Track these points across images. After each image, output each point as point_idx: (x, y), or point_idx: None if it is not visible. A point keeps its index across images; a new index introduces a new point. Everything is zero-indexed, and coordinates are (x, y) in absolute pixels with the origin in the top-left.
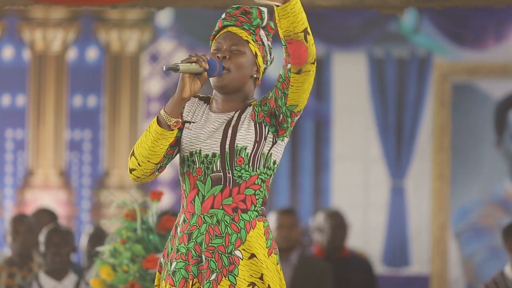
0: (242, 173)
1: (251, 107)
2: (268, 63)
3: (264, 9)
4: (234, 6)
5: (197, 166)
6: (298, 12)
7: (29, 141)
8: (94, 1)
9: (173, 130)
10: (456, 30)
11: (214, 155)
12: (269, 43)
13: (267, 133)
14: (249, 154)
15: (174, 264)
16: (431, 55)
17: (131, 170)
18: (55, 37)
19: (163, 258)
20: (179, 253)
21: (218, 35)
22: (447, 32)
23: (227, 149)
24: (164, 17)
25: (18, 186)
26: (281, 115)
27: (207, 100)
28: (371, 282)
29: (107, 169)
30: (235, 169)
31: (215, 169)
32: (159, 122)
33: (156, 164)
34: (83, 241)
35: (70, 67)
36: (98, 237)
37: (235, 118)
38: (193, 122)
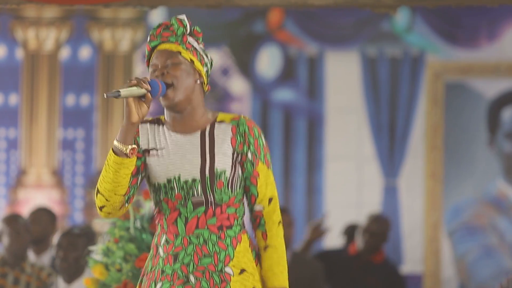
0: (223, 196)
1: (225, 125)
2: (208, 65)
3: (182, 16)
4: (154, 26)
5: (176, 192)
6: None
7: (21, 140)
8: (87, 0)
9: (130, 157)
10: (449, 29)
11: (194, 180)
12: (201, 46)
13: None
14: (228, 178)
15: (159, 284)
16: (424, 54)
17: (100, 208)
18: (48, 36)
19: (143, 276)
20: (164, 274)
21: (150, 58)
22: (440, 31)
23: (207, 174)
24: (157, 16)
25: (10, 185)
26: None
27: (159, 122)
28: None
29: (100, 168)
30: (216, 193)
31: (196, 194)
32: (115, 153)
33: (123, 195)
34: None
35: (63, 66)
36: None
37: (207, 139)
38: (159, 148)
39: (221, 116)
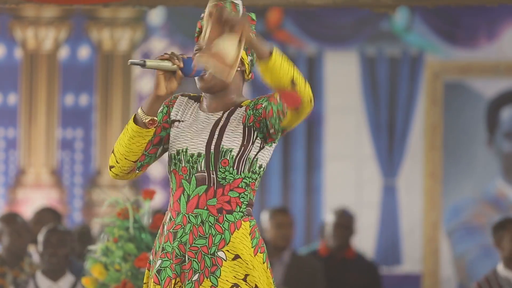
0: (226, 175)
1: (243, 108)
2: (254, 55)
3: (239, 1)
4: (211, 4)
5: (182, 165)
6: (279, 67)
7: (20, 140)
8: (86, 0)
9: (149, 128)
10: (448, 29)
11: (199, 154)
12: (251, 34)
13: (255, 138)
14: (234, 157)
15: (159, 262)
16: (423, 53)
17: (110, 167)
18: (47, 35)
19: (152, 256)
20: (164, 251)
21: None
22: (439, 30)
23: (212, 150)
24: (156, 15)
25: (9, 185)
26: (273, 129)
27: (197, 99)
28: (375, 284)
29: (99, 168)
30: (219, 171)
31: (199, 169)
32: (135, 120)
33: (133, 162)
34: None
35: (62, 66)
36: (85, 235)
37: (223, 119)
38: (182, 121)
39: (246, 102)
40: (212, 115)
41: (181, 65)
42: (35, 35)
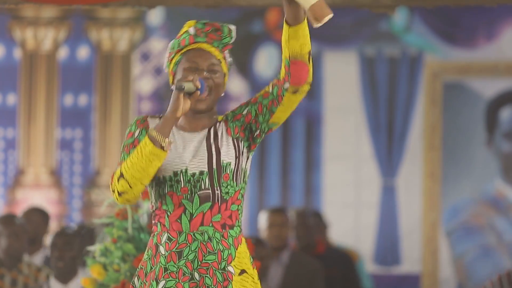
0: (229, 189)
1: (222, 122)
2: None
3: (233, 27)
4: (202, 21)
5: (182, 186)
6: (307, 34)
7: (20, 140)
8: (85, 0)
9: (165, 150)
10: (447, 29)
11: (201, 173)
12: (230, 60)
13: (243, 148)
14: (233, 170)
15: (162, 283)
16: (422, 54)
17: (120, 193)
18: (46, 36)
19: (138, 278)
20: (167, 271)
21: (184, 49)
22: (438, 31)
23: (214, 167)
24: (155, 16)
25: (8, 185)
26: (258, 131)
27: None
28: (351, 275)
29: (98, 168)
30: (222, 186)
31: (203, 187)
32: (154, 144)
33: (145, 185)
34: None
35: (61, 66)
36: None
37: (212, 134)
38: (172, 142)
39: (220, 117)
40: (197, 133)
41: (199, 86)
42: (34, 35)
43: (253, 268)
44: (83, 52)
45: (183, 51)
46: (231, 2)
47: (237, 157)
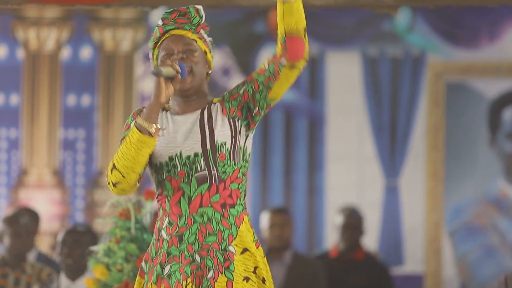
0: (226, 168)
1: (217, 104)
2: (213, 58)
3: (200, 6)
4: (168, 10)
5: (179, 169)
6: (302, 10)
7: (23, 140)
8: (87, 0)
9: (154, 137)
10: (450, 29)
11: (196, 154)
12: (210, 39)
13: (241, 127)
14: (229, 149)
15: (167, 267)
16: (425, 54)
17: (115, 184)
18: (49, 36)
19: (146, 262)
20: (171, 255)
21: (158, 42)
22: (441, 31)
23: (208, 147)
24: (158, 16)
25: (12, 186)
26: (257, 108)
27: (162, 108)
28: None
29: (101, 168)
30: (219, 165)
31: (199, 169)
32: (140, 131)
33: (139, 173)
34: None
35: (64, 66)
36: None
37: (205, 116)
38: (163, 129)
39: (216, 99)
40: (190, 114)
41: (180, 70)
42: (37, 35)
43: (259, 246)
44: (85, 53)
45: (158, 44)
46: (233, 2)
47: (233, 136)
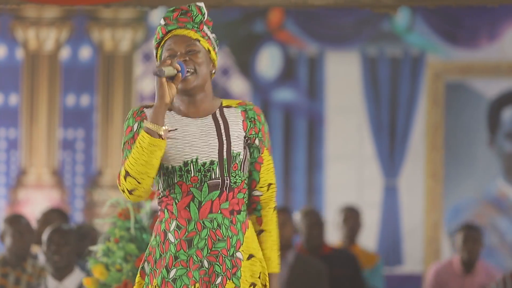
0: (237, 179)
1: (232, 108)
2: (217, 55)
3: (201, 4)
4: (170, 9)
5: (192, 175)
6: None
7: (22, 140)
8: (87, 0)
9: (164, 139)
10: (449, 29)
11: (212, 162)
12: (214, 35)
13: (246, 145)
14: (241, 160)
15: (173, 271)
16: (424, 54)
17: (130, 191)
18: (48, 36)
19: (148, 263)
20: (178, 259)
21: (161, 42)
22: (440, 31)
23: (225, 156)
24: (157, 16)
25: (11, 186)
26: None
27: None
28: (356, 274)
29: (100, 168)
30: (232, 175)
31: (213, 176)
32: (151, 135)
33: (153, 178)
34: None
35: (63, 66)
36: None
37: (221, 122)
38: (174, 129)
39: (225, 101)
40: (201, 120)
41: (179, 68)
42: (37, 35)
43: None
44: (85, 53)
45: (161, 44)
46: (233, 2)
47: (244, 148)
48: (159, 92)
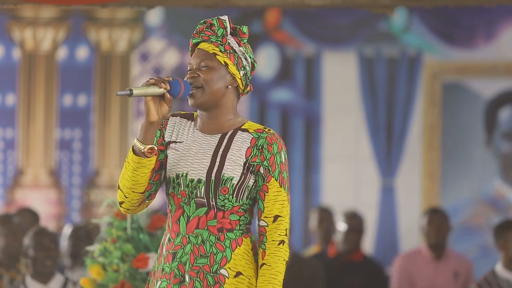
0: (225, 203)
1: (245, 134)
2: (248, 68)
3: (225, 17)
4: (201, 21)
5: (181, 189)
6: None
7: (19, 140)
8: (84, 0)
9: (149, 157)
10: (446, 29)
11: (199, 181)
12: (242, 48)
13: (249, 174)
14: (234, 185)
15: (158, 283)
16: (421, 54)
17: (120, 203)
18: (45, 36)
19: (151, 276)
20: (163, 272)
21: (192, 55)
22: (437, 31)
23: (213, 177)
24: (154, 16)
25: (8, 186)
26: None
27: (190, 117)
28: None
29: (97, 168)
30: (219, 198)
31: (199, 195)
32: (134, 152)
33: (141, 193)
34: (63, 241)
35: (60, 66)
36: (78, 236)
37: (224, 143)
38: (179, 142)
39: (248, 124)
40: (210, 137)
41: (168, 87)
42: (33, 35)
43: (255, 269)
44: (82, 53)
45: (192, 57)
46: (230, 2)
47: (243, 174)
48: (145, 110)
